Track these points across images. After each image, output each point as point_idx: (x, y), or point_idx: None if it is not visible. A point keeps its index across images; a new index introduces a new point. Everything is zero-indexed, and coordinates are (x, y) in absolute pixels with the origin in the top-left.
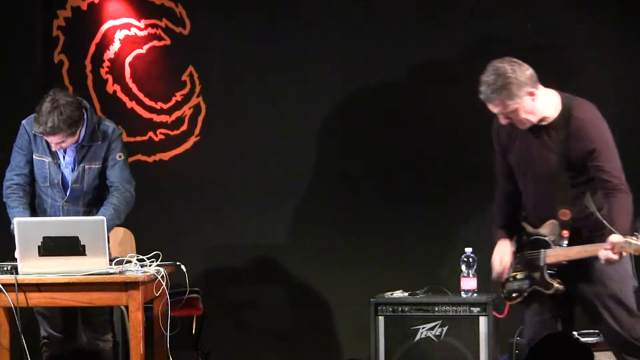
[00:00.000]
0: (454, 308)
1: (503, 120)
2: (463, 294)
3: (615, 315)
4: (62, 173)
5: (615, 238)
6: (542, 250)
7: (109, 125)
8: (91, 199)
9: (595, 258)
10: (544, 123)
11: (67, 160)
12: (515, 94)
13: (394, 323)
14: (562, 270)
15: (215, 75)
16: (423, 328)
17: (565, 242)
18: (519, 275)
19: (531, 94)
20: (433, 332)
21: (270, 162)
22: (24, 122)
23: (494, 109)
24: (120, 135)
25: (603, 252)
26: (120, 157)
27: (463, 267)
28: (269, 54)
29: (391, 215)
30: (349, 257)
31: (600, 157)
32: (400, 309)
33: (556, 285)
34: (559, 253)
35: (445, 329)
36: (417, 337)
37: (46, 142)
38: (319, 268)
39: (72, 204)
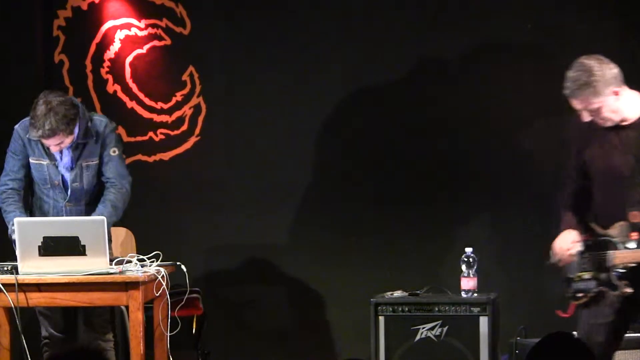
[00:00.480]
0: (454, 308)
1: (586, 117)
2: (463, 294)
3: None
4: (62, 174)
5: None
6: (610, 251)
7: (101, 120)
8: (92, 197)
9: None
10: (624, 123)
11: (65, 162)
12: (599, 91)
13: (394, 323)
14: (629, 273)
15: (215, 75)
16: (423, 328)
17: (634, 244)
18: (586, 276)
19: (615, 93)
20: (433, 332)
21: (271, 162)
22: (17, 127)
23: (577, 105)
24: (114, 129)
25: None
26: (114, 152)
27: (463, 267)
28: (269, 53)
29: (391, 215)
30: (349, 256)
31: None
32: (400, 309)
33: (624, 287)
34: (627, 255)
35: (445, 329)
36: (417, 337)
37: (42, 144)
38: (319, 268)
39: (75, 204)
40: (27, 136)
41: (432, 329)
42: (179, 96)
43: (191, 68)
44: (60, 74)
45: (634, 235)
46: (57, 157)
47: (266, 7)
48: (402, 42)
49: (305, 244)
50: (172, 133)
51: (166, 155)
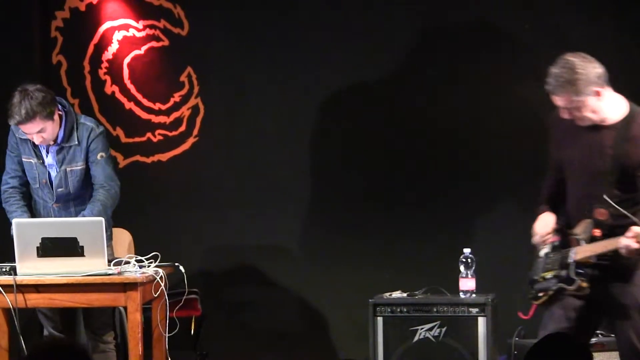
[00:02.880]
0: (453, 309)
1: (565, 115)
2: (462, 295)
3: (637, 328)
4: (49, 172)
5: (637, 228)
6: (573, 248)
7: (88, 124)
8: (82, 200)
9: (633, 270)
10: (605, 124)
11: (49, 162)
12: (581, 90)
13: (393, 324)
14: (591, 271)
15: (213, 76)
16: (422, 329)
17: (597, 241)
18: (548, 275)
19: (597, 93)
20: (432, 332)
21: (269, 163)
22: (11, 125)
23: (558, 102)
24: (102, 133)
25: (624, 239)
26: (101, 157)
27: (462, 268)
28: (268, 54)
29: (390, 215)
30: (348, 257)
31: None
32: (398, 309)
33: (578, 282)
34: (587, 249)
35: (443, 329)
36: (416, 338)
37: (32, 143)
38: (318, 268)
39: (63, 206)
40: (17, 134)
41: (430, 329)
42: (177, 97)
43: (189, 69)
44: (58, 75)
45: (597, 232)
46: (43, 154)
47: (264, 8)
48: (403, 42)
49: (304, 244)
50: (170, 134)
51: (164, 156)
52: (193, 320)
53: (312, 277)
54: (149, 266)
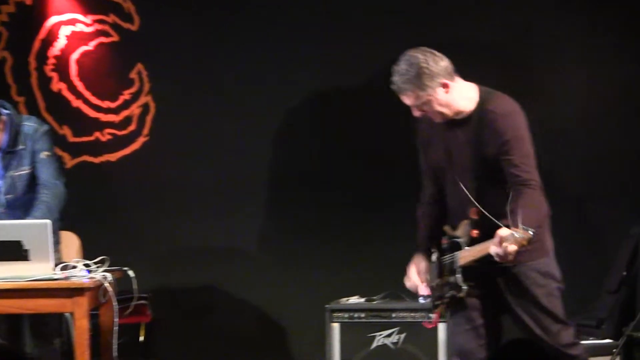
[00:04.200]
0: (412, 314)
1: (416, 113)
2: (421, 300)
3: (540, 322)
4: None
5: (502, 232)
6: (456, 252)
7: (31, 125)
8: (30, 204)
9: (519, 266)
10: (459, 117)
11: None
12: (427, 84)
13: (350, 330)
14: (477, 274)
15: (165, 72)
16: (380, 335)
17: (476, 242)
18: (441, 282)
19: (445, 85)
20: (390, 339)
21: (226, 163)
22: None
23: (406, 100)
24: (47, 131)
25: (493, 247)
26: (46, 155)
27: None
28: (223, 50)
29: (350, 218)
30: (306, 261)
31: (512, 150)
32: (356, 315)
33: (465, 288)
34: (468, 254)
35: (402, 336)
36: (374, 345)
37: None
38: (275, 272)
39: (11, 212)
40: None
41: (389, 336)
42: (126, 95)
43: (139, 65)
44: (2, 71)
45: (475, 233)
46: None
47: (218, 3)
48: (368, 41)
49: (261, 248)
50: (119, 133)
51: (113, 156)
52: (142, 326)
53: (269, 281)
54: (97, 270)
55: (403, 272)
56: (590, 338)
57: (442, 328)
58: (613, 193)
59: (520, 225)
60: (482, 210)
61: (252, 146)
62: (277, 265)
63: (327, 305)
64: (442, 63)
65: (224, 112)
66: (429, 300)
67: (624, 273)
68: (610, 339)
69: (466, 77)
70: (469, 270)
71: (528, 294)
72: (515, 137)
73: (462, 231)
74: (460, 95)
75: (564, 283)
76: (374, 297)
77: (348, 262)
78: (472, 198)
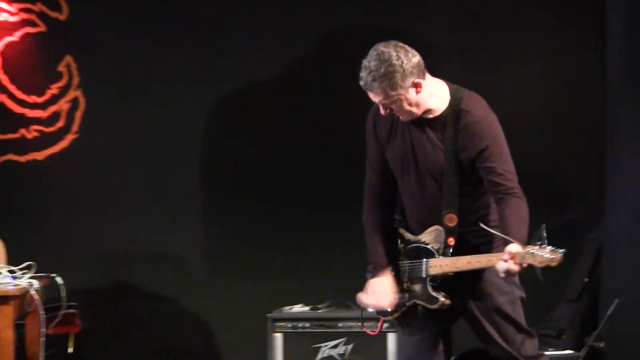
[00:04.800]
0: (360, 324)
1: (383, 111)
2: (370, 309)
3: (502, 331)
4: None
5: (514, 248)
6: (425, 260)
7: None
8: None
9: (483, 269)
10: (430, 116)
11: None
12: (399, 84)
13: (293, 340)
14: (446, 282)
15: (95, 65)
16: (325, 346)
17: (451, 250)
18: (398, 288)
19: (417, 85)
20: (336, 350)
21: (160, 163)
22: None
23: (374, 98)
24: None
25: (502, 264)
26: None
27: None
28: (157, 42)
29: (292, 222)
30: (246, 267)
31: (493, 157)
32: (300, 325)
33: (442, 299)
34: (447, 263)
35: (350, 347)
36: (319, 356)
37: None
38: (214, 280)
39: None
40: None
41: (335, 347)
42: (54, 89)
43: (68, 58)
44: None
45: (451, 240)
46: None
47: None
48: (294, 37)
49: (199, 253)
50: (46, 130)
51: (40, 155)
52: (71, 337)
53: (207, 288)
54: (22, 277)
55: (350, 279)
56: (550, 349)
57: (391, 338)
58: (571, 196)
59: (537, 242)
60: (491, 230)
61: (186, 144)
62: (216, 272)
63: (268, 314)
64: (414, 60)
65: (158, 107)
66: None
67: (586, 280)
68: (572, 349)
69: None
70: (435, 279)
71: (491, 301)
72: (495, 144)
73: (432, 237)
74: (430, 94)
75: (523, 291)
76: (319, 306)
77: (291, 268)
78: (446, 202)
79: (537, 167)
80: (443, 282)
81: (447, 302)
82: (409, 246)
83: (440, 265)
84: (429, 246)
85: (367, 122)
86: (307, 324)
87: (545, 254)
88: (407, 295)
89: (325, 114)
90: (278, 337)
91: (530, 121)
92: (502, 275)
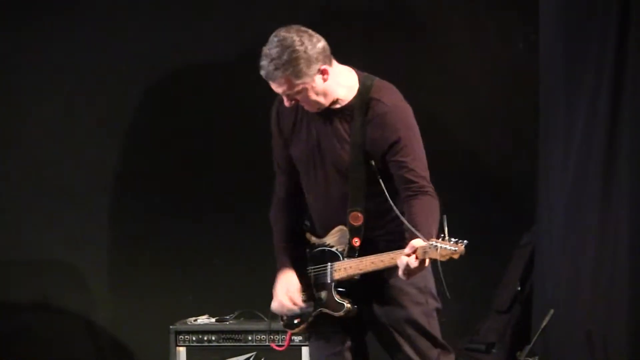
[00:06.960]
0: (272, 337)
1: (287, 102)
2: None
3: (415, 344)
4: None
5: (417, 242)
6: (329, 264)
7: None
8: None
9: (393, 274)
10: (337, 106)
11: None
12: (304, 71)
13: (199, 355)
14: (354, 288)
15: None
16: None
17: (357, 253)
18: (304, 297)
19: (323, 72)
20: None
21: (47, 163)
22: None
23: (277, 88)
24: None
25: (403, 258)
26: None
27: None
28: (49, 28)
29: (196, 226)
30: (148, 276)
31: (405, 151)
32: (205, 338)
33: (347, 305)
34: (350, 266)
35: None
36: None
37: None
38: (112, 289)
39: None
40: None
41: None
42: None
43: None
44: None
45: (356, 241)
46: None
47: None
48: (214, 24)
49: (92, 261)
50: None
51: None
52: None
53: (104, 298)
54: None
55: (259, 288)
56: None
57: (305, 353)
58: (501, 197)
59: (441, 235)
60: (401, 216)
61: (78, 143)
62: (116, 281)
63: (171, 326)
64: (319, 45)
65: (44, 105)
66: (285, 319)
67: (518, 288)
68: None
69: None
70: (340, 284)
71: (404, 311)
72: (407, 137)
73: (336, 239)
74: (338, 82)
75: (441, 302)
76: (226, 317)
77: (195, 276)
78: (351, 200)
79: (464, 167)
80: (351, 288)
81: (353, 308)
82: (314, 250)
83: (344, 268)
84: (333, 249)
85: (271, 116)
86: (213, 337)
87: (448, 246)
88: (312, 303)
89: (224, 113)
90: (182, 351)
91: (459, 118)
92: (402, 274)
